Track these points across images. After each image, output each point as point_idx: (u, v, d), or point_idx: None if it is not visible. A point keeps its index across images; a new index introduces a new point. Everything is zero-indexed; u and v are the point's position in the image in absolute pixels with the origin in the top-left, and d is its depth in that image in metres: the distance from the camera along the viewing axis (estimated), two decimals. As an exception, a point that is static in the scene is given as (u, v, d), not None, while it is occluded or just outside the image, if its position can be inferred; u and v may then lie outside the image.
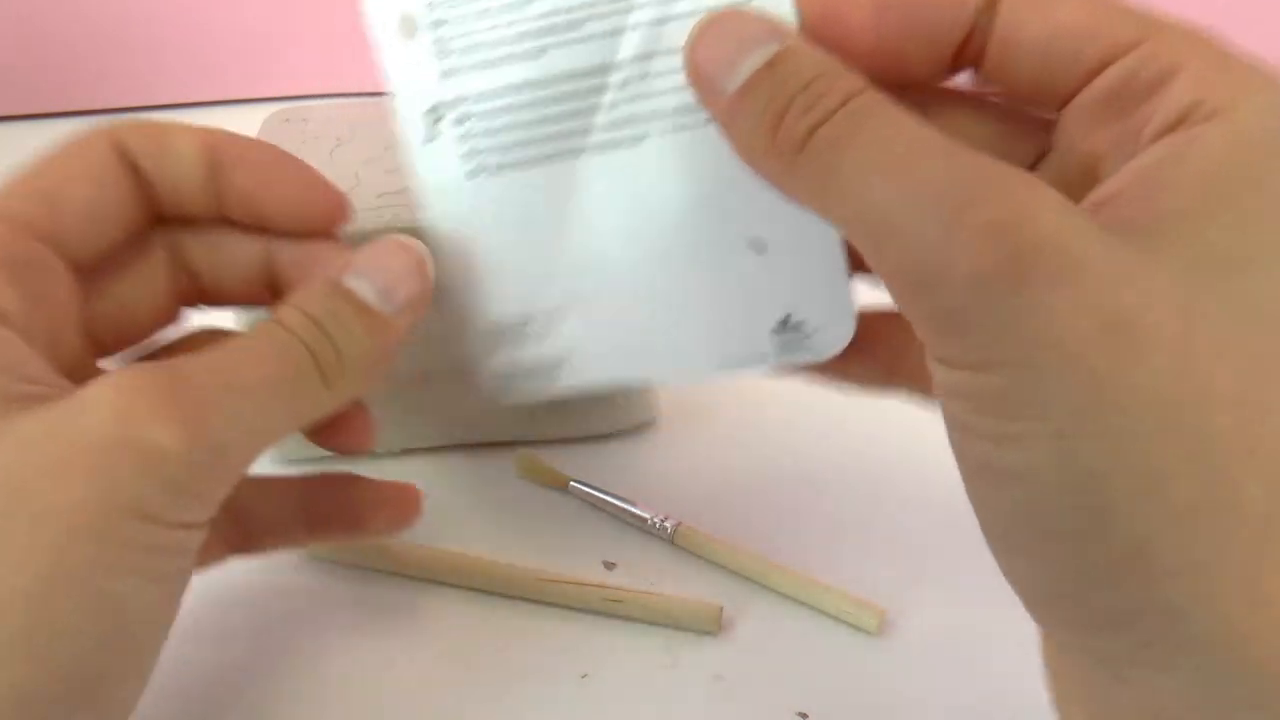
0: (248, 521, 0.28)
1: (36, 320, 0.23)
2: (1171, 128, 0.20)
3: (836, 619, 0.31)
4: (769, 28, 0.23)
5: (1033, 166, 0.24)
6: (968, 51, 0.24)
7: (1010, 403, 0.19)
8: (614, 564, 0.32)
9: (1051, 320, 0.18)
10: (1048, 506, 0.19)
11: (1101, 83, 0.22)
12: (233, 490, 0.23)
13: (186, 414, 0.21)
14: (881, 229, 0.20)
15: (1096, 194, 0.21)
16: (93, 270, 0.25)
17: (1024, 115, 0.25)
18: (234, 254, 0.27)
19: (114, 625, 0.21)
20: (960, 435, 0.20)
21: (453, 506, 0.34)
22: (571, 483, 0.34)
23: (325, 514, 0.29)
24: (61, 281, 0.25)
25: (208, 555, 0.27)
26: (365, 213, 0.31)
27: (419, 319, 0.26)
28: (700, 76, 0.23)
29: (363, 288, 0.25)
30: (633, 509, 0.33)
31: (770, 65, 0.22)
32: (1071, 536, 0.19)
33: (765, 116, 0.22)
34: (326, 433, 0.27)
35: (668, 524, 0.33)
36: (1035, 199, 0.19)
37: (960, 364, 0.20)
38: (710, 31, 0.23)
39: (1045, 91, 0.23)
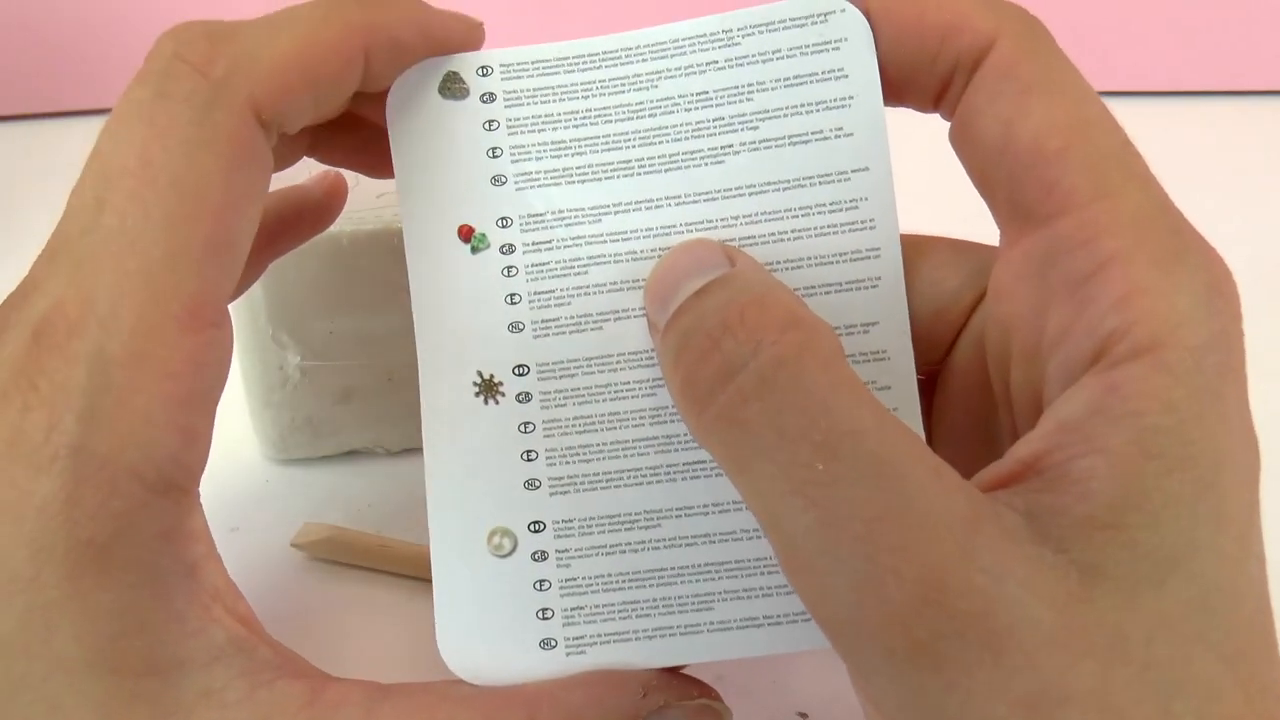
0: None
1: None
2: (1095, 356, 0.19)
3: (837, 619, 0.31)
4: (720, 253, 0.20)
5: (972, 308, 0.23)
6: (945, 100, 0.22)
7: None
8: (614, 564, 0.32)
9: (969, 703, 0.17)
10: None
11: (1027, 249, 0.20)
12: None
13: None
14: (791, 555, 0.18)
15: (1021, 450, 0.19)
16: None
17: (983, 250, 0.23)
18: None
19: None
20: None
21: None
22: (571, 483, 0.34)
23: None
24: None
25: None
26: (365, 213, 0.31)
27: None
28: (647, 317, 0.21)
29: None
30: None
31: (700, 293, 0.19)
32: None
33: (680, 349, 0.19)
34: None
35: (668, 524, 0.33)
36: (965, 553, 0.18)
37: (881, 709, 0.19)
38: (660, 264, 0.21)
39: (981, 182, 0.21)
